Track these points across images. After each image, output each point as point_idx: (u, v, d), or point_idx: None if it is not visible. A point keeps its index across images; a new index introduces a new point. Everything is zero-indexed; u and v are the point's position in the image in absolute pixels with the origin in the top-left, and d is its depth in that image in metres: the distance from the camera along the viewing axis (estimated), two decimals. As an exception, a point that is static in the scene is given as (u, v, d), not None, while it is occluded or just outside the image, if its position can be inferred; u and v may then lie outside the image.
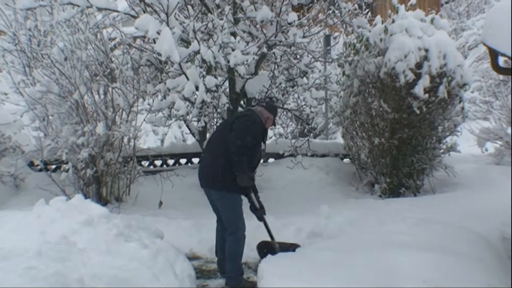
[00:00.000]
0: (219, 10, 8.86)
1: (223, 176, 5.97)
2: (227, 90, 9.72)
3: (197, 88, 8.19)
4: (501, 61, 5.64)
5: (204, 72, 8.37)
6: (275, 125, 9.47)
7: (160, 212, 8.79)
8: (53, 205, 5.55)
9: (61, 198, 5.85)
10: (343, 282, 4.61)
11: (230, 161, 5.89)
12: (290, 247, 6.56)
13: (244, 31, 9.24)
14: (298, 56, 10.02)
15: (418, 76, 9.17)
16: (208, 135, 9.96)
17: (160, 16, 7.91)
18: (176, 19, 8.09)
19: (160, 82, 9.01)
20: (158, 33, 7.75)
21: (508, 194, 6.34)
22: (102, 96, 9.10)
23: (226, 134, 6.03)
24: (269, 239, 6.62)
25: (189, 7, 8.86)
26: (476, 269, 4.84)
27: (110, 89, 9.00)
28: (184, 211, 8.82)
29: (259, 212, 6.34)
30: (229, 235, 6.13)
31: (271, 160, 11.46)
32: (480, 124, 11.93)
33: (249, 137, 5.93)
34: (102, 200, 9.08)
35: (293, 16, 8.72)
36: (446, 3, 23.58)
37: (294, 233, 7.61)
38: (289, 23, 8.72)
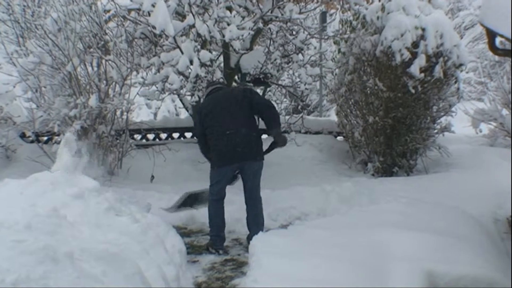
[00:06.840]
0: (215, -17, 8.76)
1: (260, 146, 6.58)
2: (222, 65, 9.66)
3: (191, 62, 8.13)
4: (498, 42, 5.60)
5: (199, 46, 8.32)
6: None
7: (151, 186, 8.79)
8: (44, 177, 5.49)
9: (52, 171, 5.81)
10: (334, 260, 4.59)
11: (259, 130, 6.58)
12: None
13: (240, 6, 9.15)
14: (294, 32, 9.97)
15: (414, 55, 9.15)
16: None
17: (155, -11, 7.82)
18: (171, -9, 8.01)
19: (154, 56, 8.94)
20: (153, 5, 7.70)
21: (502, 176, 6.34)
22: (95, 69, 9.05)
23: (244, 106, 6.41)
24: None
25: (185, -21, 8.75)
26: (468, 249, 4.83)
27: (103, 61, 8.96)
28: (176, 185, 8.78)
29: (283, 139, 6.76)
30: (257, 198, 6.56)
31: (264, 136, 11.42)
32: (475, 105, 11.94)
33: None
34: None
35: (289, -9, 8.66)
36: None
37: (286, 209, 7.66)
38: (286, -2, 8.65)
